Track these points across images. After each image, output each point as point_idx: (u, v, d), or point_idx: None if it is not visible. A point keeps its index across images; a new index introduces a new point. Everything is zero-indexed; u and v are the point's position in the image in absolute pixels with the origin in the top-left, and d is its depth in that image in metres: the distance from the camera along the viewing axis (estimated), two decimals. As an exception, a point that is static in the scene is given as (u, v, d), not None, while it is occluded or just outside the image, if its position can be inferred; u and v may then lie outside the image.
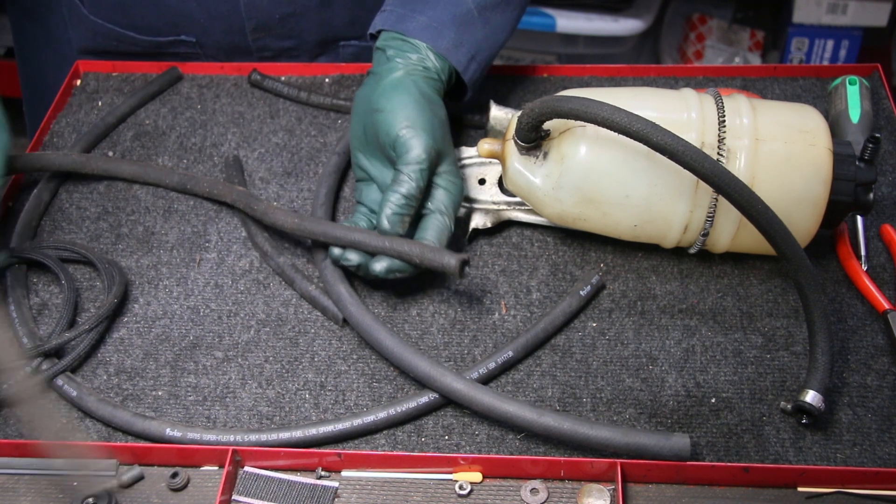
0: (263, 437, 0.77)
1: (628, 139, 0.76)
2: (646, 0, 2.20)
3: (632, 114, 0.75)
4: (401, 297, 0.89)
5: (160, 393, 0.83)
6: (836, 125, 0.98)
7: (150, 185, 1.00)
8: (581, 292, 0.87)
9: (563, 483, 0.74)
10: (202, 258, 0.93)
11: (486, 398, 0.76)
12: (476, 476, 0.74)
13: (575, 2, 2.15)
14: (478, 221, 0.92)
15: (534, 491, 0.73)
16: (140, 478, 0.75)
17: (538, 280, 0.90)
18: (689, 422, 0.79)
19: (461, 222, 0.94)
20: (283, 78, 1.10)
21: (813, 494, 0.73)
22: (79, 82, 1.13)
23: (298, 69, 1.12)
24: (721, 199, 0.81)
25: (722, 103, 0.84)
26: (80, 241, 0.95)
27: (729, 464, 0.73)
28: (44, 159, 0.99)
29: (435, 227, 0.85)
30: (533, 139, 0.85)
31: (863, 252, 0.90)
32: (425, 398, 0.80)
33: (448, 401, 0.80)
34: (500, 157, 0.89)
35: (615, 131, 0.76)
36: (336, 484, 0.74)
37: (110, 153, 1.04)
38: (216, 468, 0.75)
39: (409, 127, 0.85)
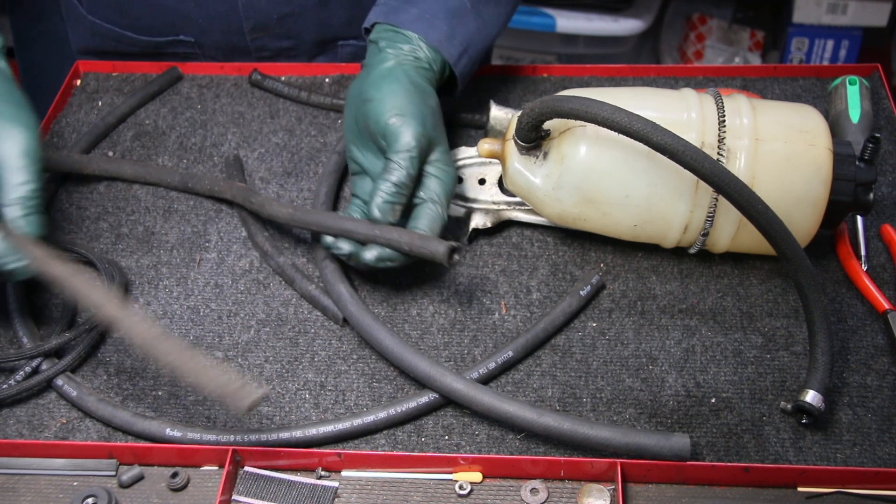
0: (263, 437, 0.77)
1: (628, 139, 0.76)
2: (646, 0, 2.20)
3: (632, 114, 0.75)
4: (401, 297, 0.89)
5: (160, 393, 0.83)
6: (836, 125, 0.98)
7: (150, 184, 1.00)
8: (581, 292, 0.87)
9: (563, 483, 0.74)
10: (202, 258, 0.93)
11: (486, 398, 0.76)
12: (476, 476, 0.74)
13: (575, 2, 2.15)
14: (478, 221, 0.92)
15: (534, 491, 0.73)
16: (140, 478, 0.75)
17: (538, 280, 0.90)
18: (689, 422, 0.79)
19: (461, 222, 0.94)
20: (283, 78, 1.10)
21: (813, 494, 0.73)
22: (79, 82, 1.13)
23: (298, 69, 1.12)
24: (721, 199, 0.81)
25: (722, 103, 0.84)
26: (80, 241, 0.94)
27: (729, 464, 0.73)
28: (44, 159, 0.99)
29: (427, 217, 0.85)
30: (533, 139, 0.85)
31: (863, 252, 0.90)
32: (425, 398, 0.80)
33: (448, 401, 0.80)
34: (500, 157, 0.89)
35: (615, 131, 0.76)
36: (336, 484, 0.74)
37: (110, 153, 1.04)
38: (216, 468, 0.75)
39: (399, 115, 0.85)
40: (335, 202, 0.97)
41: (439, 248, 0.80)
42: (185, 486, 0.74)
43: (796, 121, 0.83)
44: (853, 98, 0.99)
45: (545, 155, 0.86)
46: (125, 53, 1.16)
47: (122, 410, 0.80)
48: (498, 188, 0.95)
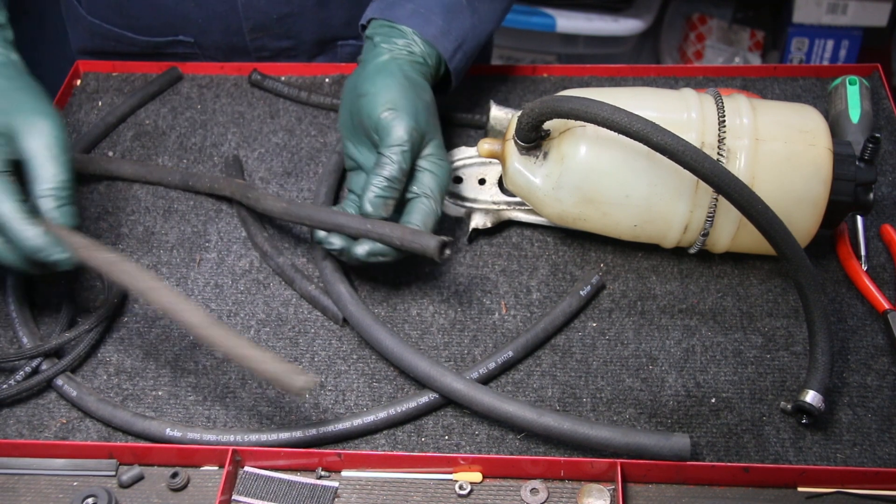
0: (263, 437, 0.77)
1: (628, 139, 0.76)
2: (646, 0, 2.20)
3: (632, 114, 0.75)
4: (401, 297, 0.89)
5: (160, 393, 0.83)
6: (836, 125, 0.98)
7: (150, 184, 1.00)
8: (581, 292, 0.87)
9: (563, 483, 0.74)
10: (202, 258, 0.93)
11: (486, 398, 0.76)
12: (476, 476, 0.74)
13: (575, 2, 2.15)
14: (478, 221, 0.92)
15: (534, 491, 0.73)
16: (140, 478, 0.75)
17: (538, 280, 0.90)
18: (689, 422, 0.79)
19: (461, 222, 0.94)
20: (282, 78, 1.10)
21: (813, 494, 0.73)
22: (79, 82, 1.13)
23: (298, 69, 1.12)
24: (721, 199, 0.81)
25: (722, 103, 0.84)
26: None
27: (729, 464, 0.73)
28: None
29: (420, 211, 0.84)
30: (533, 139, 0.85)
31: (863, 252, 0.90)
32: (425, 398, 0.80)
33: (448, 401, 0.80)
34: (500, 157, 0.89)
35: (615, 131, 0.76)
36: (336, 484, 0.74)
37: (110, 153, 1.04)
38: (216, 468, 0.75)
39: (391, 109, 0.84)
40: (335, 202, 0.97)
41: (430, 243, 0.80)
42: (185, 486, 0.74)
43: (796, 121, 0.83)
44: (853, 98, 0.99)
45: (545, 155, 0.86)
46: (125, 54, 1.16)
47: (122, 410, 0.80)
48: (498, 188, 0.95)
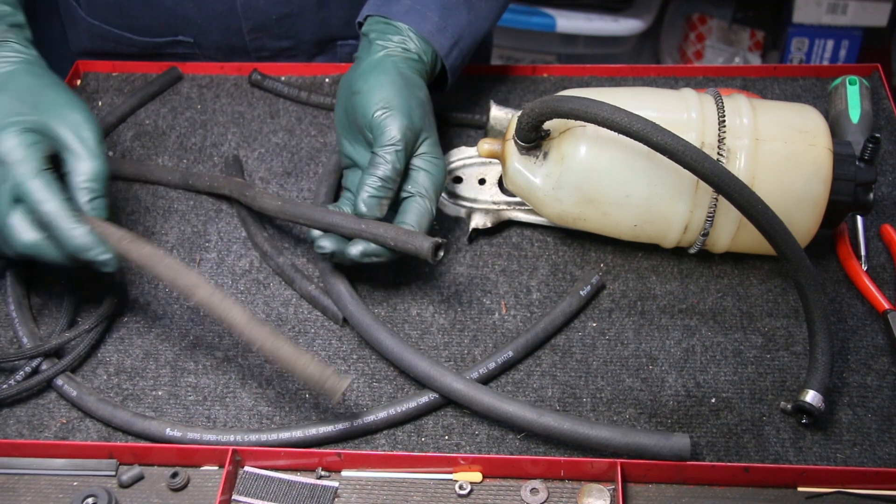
0: (263, 437, 0.77)
1: (628, 139, 0.76)
2: (646, 0, 2.20)
3: (632, 114, 0.75)
4: (401, 297, 0.89)
5: (160, 393, 0.83)
6: (836, 125, 0.98)
7: (150, 183, 1.00)
8: (581, 292, 0.87)
9: (563, 483, 0.74)
10: (202, 258, 0.93)
11: (486, 398, 0.76)
12: (476, 476, 0.74)
13: (575, 2, 2.15)
14: (478, 221, 0.92)
15: (534, 491, 0.73)
16: (140, 478, 0.75)
17: (538, 280, 0.90)
18: (689, 422, 0.79)
19: (461, 222, 0.94)
20: (282, 78, 1.10)
21: (813, 494, 0.73)
22: (79, 82, 1.13)
23: (298, 69, 1.12)
24: (721, 199, 0.81)
25: (722, 103, 0.84)
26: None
27: (729, 464, 0.73)
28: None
29: (415, 211, 0.84)
30: (533, 139, 0.85)
31: (863, 252, 0.90)
32: (425, 398, 0.80)
33: (448, 401, 0.80)
34: (500, 157, 0.89)
35: (615, 131, 0.76)
36: (336, 484, 0.74)
37: (110, 153, 1.04)
38: (216, 468, 0.75)
39: (385, 108, 0.84)
40: (335, 202, 0.96)
41: (424, 245, 0.80)
42: (185, 486, 0.74)
43: (796, 121, 0.83)
44: (853, 98, 0.99)
45: (545, 155, 0.86)
46: (124, 54, 1.16)
47: (122, 410, 0.80)
48: (498, 188, 0.95)
